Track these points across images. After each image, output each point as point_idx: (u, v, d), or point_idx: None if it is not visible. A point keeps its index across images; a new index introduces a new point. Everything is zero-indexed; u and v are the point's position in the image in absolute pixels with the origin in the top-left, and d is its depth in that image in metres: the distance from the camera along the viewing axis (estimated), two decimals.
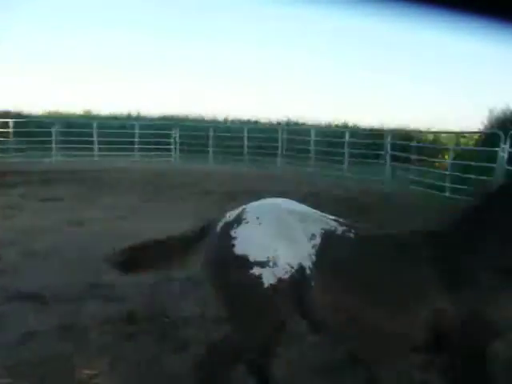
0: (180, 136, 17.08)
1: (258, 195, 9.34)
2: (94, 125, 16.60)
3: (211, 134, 17.24)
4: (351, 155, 14.45)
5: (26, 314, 3.63)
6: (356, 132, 18.07)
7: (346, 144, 14.06)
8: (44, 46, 38.30)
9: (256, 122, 22.42)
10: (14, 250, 5.26)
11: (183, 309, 3.63)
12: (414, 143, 13.12)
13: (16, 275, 4.51)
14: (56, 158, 15.35)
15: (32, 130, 16.89)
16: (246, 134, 16.72)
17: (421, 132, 18.50)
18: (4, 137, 16.08)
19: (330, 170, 14.32)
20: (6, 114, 18.61)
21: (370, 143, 16.60)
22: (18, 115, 19.71)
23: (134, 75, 38.29)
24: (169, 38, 41.21)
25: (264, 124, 22.14)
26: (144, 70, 37.40)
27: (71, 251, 5.26)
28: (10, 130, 16.10)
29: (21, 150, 15.49)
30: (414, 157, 12.15)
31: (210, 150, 16.91)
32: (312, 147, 15.08)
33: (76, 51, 41.56)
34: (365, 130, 19.63)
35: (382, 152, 12.56)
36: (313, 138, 15.15)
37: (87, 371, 2.81)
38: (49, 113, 22.80)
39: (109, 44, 41.96)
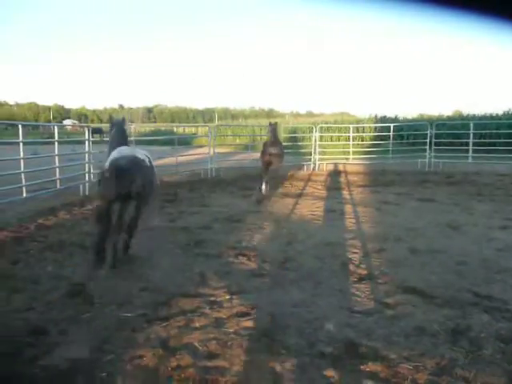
0: None
1: None
2: (471, 125, 15.32)
3: None
4: None
5: (413, 308, 3.74)
6: None
7: None
8: None
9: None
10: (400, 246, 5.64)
11: None
12: None
13: (401, 268, 4.75)
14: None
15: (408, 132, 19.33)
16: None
17: None
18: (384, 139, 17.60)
19: None
20: (383, 119, 24.24)
21: None
22: (395, 119, 24.53)
23: None
24: None
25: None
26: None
27: (452, 253, 5.29)
28: (390, 133, 15.99)
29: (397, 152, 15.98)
30: None
31: None
32: None
33: None
34: None
35: None
36: None
37: None
38: (421, 115, 26.76)
39: None
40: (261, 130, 31.69)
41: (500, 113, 22.30)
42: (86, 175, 9.64)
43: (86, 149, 9.67)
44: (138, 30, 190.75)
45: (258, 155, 10.32)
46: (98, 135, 29.27)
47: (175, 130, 41.08)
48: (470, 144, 14.31)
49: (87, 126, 10.35)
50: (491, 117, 21.95)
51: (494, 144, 15.35)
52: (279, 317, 3.52)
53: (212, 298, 3.91)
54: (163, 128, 43.54)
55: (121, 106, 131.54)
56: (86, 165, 9.64)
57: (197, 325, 3.39)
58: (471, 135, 14.51)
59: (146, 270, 4.65)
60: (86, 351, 2.97)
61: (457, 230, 6.37)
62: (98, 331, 3.28)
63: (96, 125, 59.43)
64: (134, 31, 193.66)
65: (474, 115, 22.99)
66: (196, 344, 3.09)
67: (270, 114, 67.11)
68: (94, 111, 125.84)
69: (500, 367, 2.79)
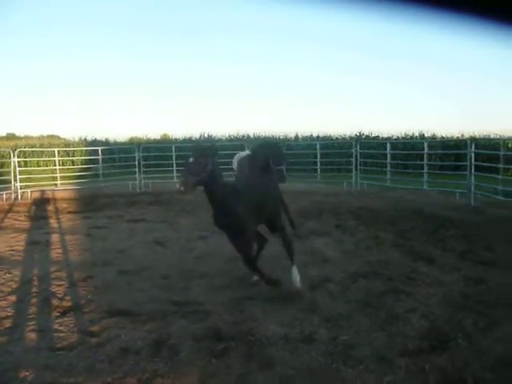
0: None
1: (335, 212, 9.50)
2: (173, 148, 15.84)
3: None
4: (430, 167, 13.51)
5: (119, 330, 3.69)
6: (434, 143, 18.02)
7: (424, 156, 13.23)
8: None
9: (326, 138, 21.35)
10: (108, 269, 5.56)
11: (268, 328, 3.67)
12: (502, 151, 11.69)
13: (109, 293, 4.66)
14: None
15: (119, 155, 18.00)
16: (318, 150, 15.71)
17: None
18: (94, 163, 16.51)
19: (408, 183, 13.16)
20: (94, 142, 22.88)
21: (449, 154, 16.23)
22: (105, 143, 23.01)
23: None
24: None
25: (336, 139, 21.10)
26: None
27: (158, 269, 5.48)
28: (99, 157, 15.85)
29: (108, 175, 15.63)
30: (501, 166, 10.74)
31: None
32: (388, 160, 14.11)
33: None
34: (443, 139, 19.22)
35: (463, 162, 11.55)
36: (388, 151, 14.16)
37: None
38: (131, 139, 24.82)
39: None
40: None
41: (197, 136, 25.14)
42: None
43: None
44: None
45: None
46: None
47: None
48: (174, 165, 15.65)
49: None
50: (190, 140, 24.51)
51: None
52: None
53: None
54: None
55: None
56: None
57: None
58: (174, 157, 15.86)
59: None
60: None
61: (163, 246, 6.82)
62: None
63: None
64: None
65: (177, 139, 25.23)
66: None
67: None
68: None
69: (194, 365, 3.12)
